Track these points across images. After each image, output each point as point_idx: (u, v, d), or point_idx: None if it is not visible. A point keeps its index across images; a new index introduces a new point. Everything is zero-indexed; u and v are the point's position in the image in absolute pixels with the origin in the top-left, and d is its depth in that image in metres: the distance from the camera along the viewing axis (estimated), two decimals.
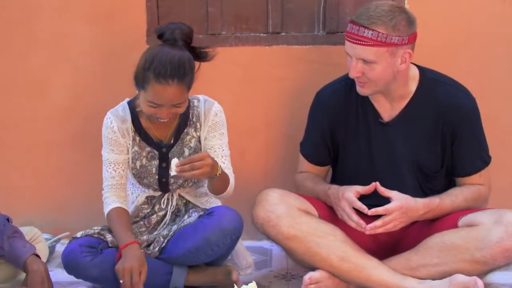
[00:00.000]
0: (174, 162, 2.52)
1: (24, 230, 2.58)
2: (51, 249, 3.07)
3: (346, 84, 2.78)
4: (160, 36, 2.66)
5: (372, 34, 2.52)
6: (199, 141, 2.78)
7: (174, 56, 2.55)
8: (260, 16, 3.31)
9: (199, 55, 2.69)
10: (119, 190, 2.74)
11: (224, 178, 2.67)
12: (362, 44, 2.54)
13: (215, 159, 2.67)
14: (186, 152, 2.76)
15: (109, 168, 2.74)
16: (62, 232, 3.22)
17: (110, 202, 2.72)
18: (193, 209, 2.76)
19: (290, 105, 3.29)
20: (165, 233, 2.74)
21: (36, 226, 2.75)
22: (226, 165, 2.74)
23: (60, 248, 3.20)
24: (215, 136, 2.77)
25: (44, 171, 3.40)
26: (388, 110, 2.74)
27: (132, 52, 3.12)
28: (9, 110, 3.36)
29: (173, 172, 2.52)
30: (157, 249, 2.70)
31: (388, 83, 2.63)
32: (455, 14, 3.23)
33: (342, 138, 2.81)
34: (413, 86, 2.72)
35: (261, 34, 3.31)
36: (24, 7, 3.29)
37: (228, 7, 3.31)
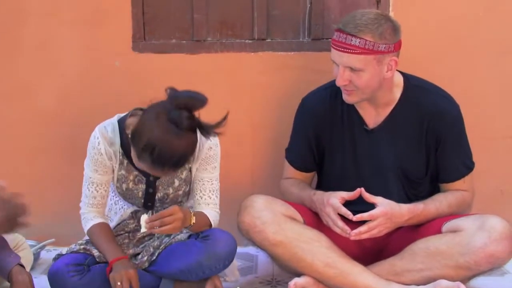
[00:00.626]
0: (143, 218, 2.48)
1: (8, 237, 2.54)
2: (36, 256, 3.05)
3: (332, 91, 2.78)
4: (171, 100, 2.38)
5: (359, 42, 2.53)
6: (190, 171, 2.71)
7: (177, 149, 2.34)
8: (246, 23, 3.31)
9: (204, 131, 2.45)
10: (99, 208, 2.68)
11: (201, 224, 2.62)
12: (350, 52, 2.54)
13: (202, 192, 2.67)
14: (176, 183, 2.70)
15: (91, 187, 2.66)
16: (47, 238, 3.20)
17: (91, 217, 2.66)
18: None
19: (276, 111, 3.29)
20: (155, 244, 2.71)
21: (20, 232, 2.70)
22: (212, 200, 2.69)
23: (45, 255, 3.21)
24: (206, 169, 2.69)
25: (29, 177, 3.37)
26: (373, 117, 2.75)
27: (117, 58, 3.21)
28: None
29: (143, 229, 2.49)
30: (145, 258, 2.68)
31: (374, 90, 2.64)
32: (439, 21, 3.25)
33: (328, 145, 2.81)
34: (397, 93, 2.73)
35: (247, 41, 3.31)
36: (10, 11, 3.27)
37: (213, 14, 3.31)
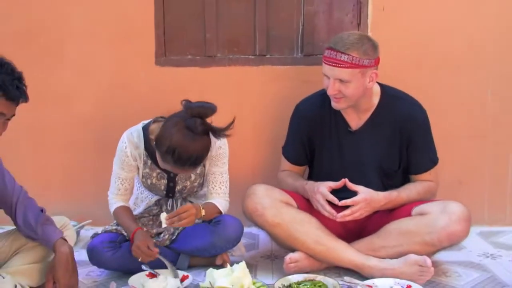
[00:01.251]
0: (163, 216, 2.48)
1: (56, 219, 2.56)
2: (77, 234, 3.05)
3: (322, 98, 2.78)
4: (186, 109, 2.39)
5: (347, 58, 2.53)
6: (204, 166, 2.71)
7: (194, 151, 2.34)
8: (249, 41, 3.31)
9: (216, 134, 2.45)
10: (124, 197, 2.69)
11: (211, 213, 2.63)
12: (340, 67, 2.54)
13: (214, 184, 2.68)
14: (193, 177, 2.70)
15: (117, 181, 2.67)
16: (86, 219, 3.22)
17: (115, 202, 2.66)
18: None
19: (273, 114, 3.28)
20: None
21: (64, 214, 2.72)
22: (222, 190, 2.70)
23: (84, 233, 3.23)
24: (217, 164, 2.70)
25: (70, 170, 3.38)
26: (355, 120, 2.75)
27: (142, 71, 3.22)
28: (43, 117, 3.34)
29: (163, 224, 2.49)
30: (167, 237, 2.69)
31: (359, 98, 2.64)
32: (410, 40, 3.25)
33: (318, 143, 2.81)
34: (375, 100, 2.73)
35: (250, 56, 3.31)
36: (57, 32, 3.28)
37: (222, 33, 3.31)
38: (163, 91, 3.24)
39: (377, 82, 2.75)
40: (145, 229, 2.67)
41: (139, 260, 2.48)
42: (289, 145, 2.93)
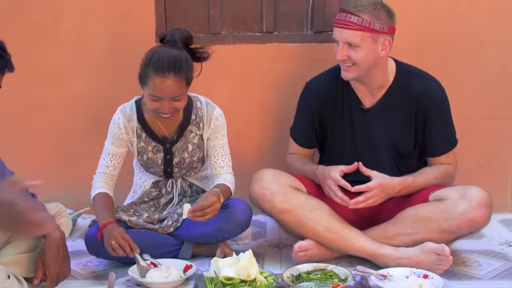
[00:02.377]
0: (187, 207, 2.47)
1: (50, 205, 2.58)
2: (73, 223, 3.06)
3: (333, 75, 2.76)
4: (161, 40, 2.62)
5: (357, 19, 2.52)
6: (202, 139, 2.74)
7: (171, 53, 2.51)
8: (256, 18, 3.30)
9: (198, 56, 2.63)
10: (109, 179, 2.68)
11: (226, 197, 2.62)
12: (349, 28, 2.53)
13: (216, 157, 2.71)
14: (190, 147, 2.73)
15: (106, 158, 2.69)
16: (83, 207, 3.20)
17: (98, 187, 2.66)
18: (205, 193, 2.65)
19: (282, 94, 3.27)
20: (179, 212, 2.71)
21: (59, 201, 2.72)
22: (225, 163, 2.73)
23: (81, 221, 3.22)
24: (216, 137, 2.73)
25: (66, 152, 3.38)
26: (368, 98, 2.72)
27: (142, 49, 3.11)
28: (35, 98, 3.34)
29: (184, 216, 2.49)
30: (170, 223, 2.68)
31: (370, 68, 2.61)
32: (427, 15, 3.22)
33: (329, 123, 2.79)
34: (391, 77, 2.70)
35: (256, 34, 3.29)
36: (50, 8, 3.27)
37: (227, 10, 3.30)
38: None
39: (393, 59, 2.73)
40: (126, 217, 2.65)
41: (112, 244, 2.44)
42: (297, 126, 2.91)
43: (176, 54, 2.51)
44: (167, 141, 2.71)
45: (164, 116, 2.56)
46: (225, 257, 2.54)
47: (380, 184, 2.57)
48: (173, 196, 2.81)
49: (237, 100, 3.28)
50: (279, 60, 3.27)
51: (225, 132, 2.76)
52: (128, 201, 2.86)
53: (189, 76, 2.55)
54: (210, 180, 2.83)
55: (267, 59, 3.28)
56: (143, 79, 2.53)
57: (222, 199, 2.54)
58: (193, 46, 2.63)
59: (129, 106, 2.71)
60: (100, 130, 2.94)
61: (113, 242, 2.43)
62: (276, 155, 3.16)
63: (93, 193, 2.66)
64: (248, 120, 3.33)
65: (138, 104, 2.70)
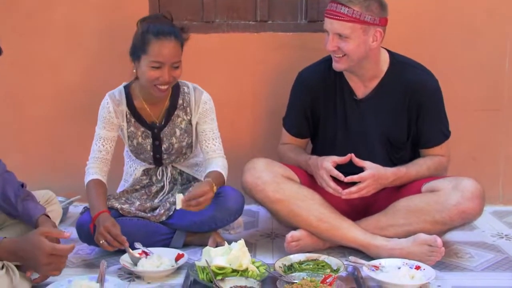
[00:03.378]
0: (179, 197, 2.46)
1: (40, 193, 2.54)
2: (65, 211, 3.04)
3: (325, 65, 2.75)
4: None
5: (348, 11, 2.50)
6: (190, 124, 2.74)
7: (166, 21, 2.62)
8: (249, 6, 3.28)
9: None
10: (102, 164, 2.68)
11: (219, 186, 2.62)
12: (339, 19, 2.52)
13: (207, 142, 2.72)
14: (178, 132, 2.73)
15: (98, 143, 2.69)
16: (75, 195, 3.20)
17: (92, 173, 2.65)
18: (197, 183, 2.68)
19: (275, 84, 3.26)
20: (171, 200, 2.71)
21: (51, 190, 2.69)
22: (217, 147, 2.73)
23: (72, 209, 3.22)
24: (206, 121, 2.74)
25: (58, 141, 3.37)
26: (361, 88, 2.71)
27: None
28: (27, 86, 3.32)
29: (178, 206, 2.46)
30: (162, 212, 2.68)
31: (361, 59, 2.60)
32: (421, 4, 3.21)
33: (322, 113, 2.78)
34: (384, 67, 2.69)
35: (250, 22, 3.28)
36: None
37: None
38: None
39: (386, 50, 2.72)
40: (117, 205, 2.65)
41: (101, 243, 2.44)
42: (290, 116, 2.90)
43: (170, 22, 2.62)
44: (155, 127, 2.71)
45: (163, 88, 2.57)
46: (217, 246, 2.54)
47: (373, 174, 2.56)
48: (164, 184, 2.80)
49: (230, 89, 3.27)
50: (273, 49, 3.26)
51: (214, 116, 2.76)
52: (119, 190, 2.84)
53: (183, 43, 2.60)
54: (201, 167, 2.83)
55: (261, 48, 3.26)
56: (141, 48, 2.54)
57: (215, 188, 2.53)
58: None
59: (117, 92, 2.72)
60: (92, 118, 2.91)
61: (102, 242, 2.43)
62: (269, 145, 3.15)
63: (87, 179, 2.65)
64: (241, 110, 3.32)
65: (127, 89, 2.72)
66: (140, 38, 2.56)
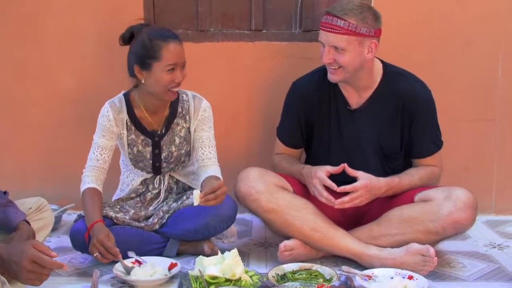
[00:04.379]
0: (197, 193, 2.43)
1: (31, 200, 2.54)
2: (58, 219, 3.04)
3: (320, 75, 2.75)
4: (131, 38, 2.64)
5: (344, 23, 2.51)
6: (189, 131, 2.74)
7: (162, 27, 2.69)
8: (244, 15, 3.28)
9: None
10: (99, 173, 2.65)
11: None
12: (335, 32, 2.53)
13: (203, 149, 2.71)
14: (177, 140, 2.73)
15: (96, 151, 2.67)
16: (68, 203, 3.19)
17: (88, 181, 2.62)
18: (190, 191, 2.71)
19: (269, 93, 3.26)
20: (165, 209, 2.72)
21: (45, 197, 2.65)
22: (212, 155, 2.73)
23: (66, 217, 3.21)
24: (203, 129, 2.74)
25: (53, 149, 3.36)
26: (355, 98, 2.72)
27: None
28: (24, 92, 3.32)
29: (196, 202, 2.43)
30: (156, 221, 2.68)
31: (356, 70, 2.61)
32: (415, 14, 3.23)
33: (316, 123, 2.78)
34: (377, 78, 2.70)
35: (245, 31, 3.28)
36: (38, 3, 3.25)
37: (216, 7, 3.29)
38: None
39: (379, 60, 2.73)
40: (112, 213, 2.65)
41: (95, 256, 2.42)
42: (284, 126, 2.90)
43: (166, 28, 2.69)
44: (156, 135, 2.71)
45: (175, 90, 2.60)
46: (211, 253, 2.56)
47: (366, 184, 2.56)
48: (159, 191, 2.80)
49: (225, 97, 3.27)
50: (267, 58, 3.27)
51: (211, 125, 2.77)
52: (114, 198, 2.84)
53: None
54: (196, 175, 2.83)
55: (256, 57, 3.27)
56: (152, 56, 2.54)
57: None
58: None
59: (117, 100, 2.71)
60: (87, 126, 2.94)
61: (96, 254, 2.41)
62: (263, 154, 3.15)
63: (83, 187, 2.63)
64: (235, 118, 3.32)
65: (127, 97, 2.71)
66: (147, 46, 2.54)
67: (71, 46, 3.29)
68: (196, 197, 2.43)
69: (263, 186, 2.63)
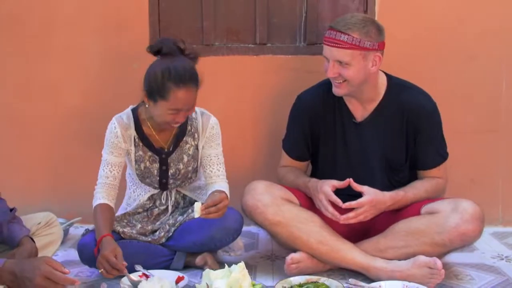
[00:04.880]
0: (198, 205, 2.44)
1: (41, 215, 2.56)
2: (65, 232, 3.04)
3: (324, 88, 2.75)
4: (157, 52, 2.57)
5: (347, 38, 2.52)
6: (197, 149, 2.73)
7: (185, 64, 2.50)
8: (249, 29, 3.30)
9: (193, 60, 2.61)
10: (110, 189, 2.65)
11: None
12: (339, 47, 2.53)
13: (212, 167, 2.70)
14: (185, 158, 2.71)
15: (106, 168, 2.65)
16: (75, 217, 3.20)
17: (99, 197, 2.62)
18: (211, 194, 2.67)
19: (274, 106, 3.27)
20: (171, 222, 2.72)
21: (52, 211, 2.69)
22: (221, 172, 2.72)
23: (73, 231, 3.21)
24: (211, 146, 2.72)
25: (59, 163, 3.37)
26: (360, 111, 2.72)
27: (136, 61, 3.15)
28: (29, 109, 3.33)
29: (197, 215, 2.44)
30: (162, 234, 2.68)
31: (361, 83, 2.61)
32: (419, 29, 3.24)
33: (321, 135, 2.78)
34: (382, 90, 2.70)
35: (250, 45, 3.30)
36: (42, 21, 3.28)
37: (220, 21, 3.30)
38: None
39: (383, 72, 2.74)
40: (119, 228, 2.65)
41: (100, 272, 2.41)
42: (289, 138, 2.89)
43: (190, 65, 2.52)
44: (163, 152, 2.69)
45: (175, 125, 2.57)
46: (205, 265, 2.58)
47: (371, 200, 2.55)
48: (167, 206, 2.79)
49: (230, 111, 3.28)
50: (272, 71, 3.28)
51: (220, 142, 2.75)
52: (120, 212, 2.82)
53: (200, 85, 2.57)
54: (203, 190, 2.82)
55: (261, 71, 3.28)
56: (160, 94, 2.48)
57: (228, 198, 2.55)
58: (187, 52, 2.61)
59: (125, 115, 2.68)
60: (93, 142, 2.94)
61: (101, 271, 2.40)
62: (269, 167, 3.14)
63: (94, 203, 2.63)
64: (241, 132, 3.32)
65: (135, 113, 2.68)
66: (159, 82, 2.47)
67: (75, 63, 3.30)
68: (197, 210, 2.44)
69: (270, 199, 2.63)
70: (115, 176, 2.66)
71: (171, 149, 2.70)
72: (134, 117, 2.68)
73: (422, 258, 2.45)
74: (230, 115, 3.25)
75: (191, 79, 2.48)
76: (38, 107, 3.33)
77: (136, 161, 2.71)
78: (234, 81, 3.30)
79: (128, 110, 2.70)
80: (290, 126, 2.88)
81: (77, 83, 3.31)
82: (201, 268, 2.62)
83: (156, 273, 2.51)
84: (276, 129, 3.14)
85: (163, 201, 2.79)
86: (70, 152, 3.34)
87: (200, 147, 2.73)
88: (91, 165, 2.94)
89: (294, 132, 2.85)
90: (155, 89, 2.49)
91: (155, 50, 2.57)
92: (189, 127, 2.72)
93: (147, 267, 2.53)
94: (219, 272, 2.35)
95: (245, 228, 2.72)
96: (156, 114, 2.55)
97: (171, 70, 2.46)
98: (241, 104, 3.31)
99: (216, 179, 2.72)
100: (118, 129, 2.64)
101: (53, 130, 3.35)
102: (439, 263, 2.42)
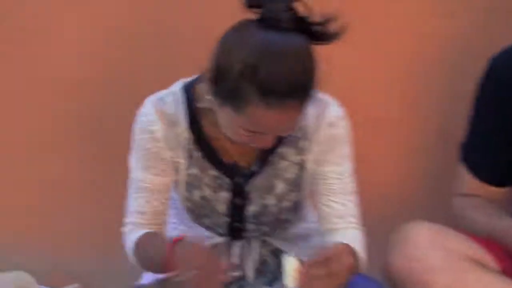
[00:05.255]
0: (291, 263, 1.57)
1: (10, 275, 2.07)
2: None
3: None
4: (255, 7, 1.53)
5: None
6: (303, 168, 1.73)
7: (291, 59, 1.49)
8: None
9: (319, 36, 1.55)
10: (152, 228, 1.77)
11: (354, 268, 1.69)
12: None
13: (327, 197, 1.74)
14: (280, 186, 1.72)
15: (139, 193, 1.69)
16: (68, 283, 2.29)
17: (136, 233, 1.75)
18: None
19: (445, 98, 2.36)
20: None
21: (36, 273, 2.03)
22: (348, 211, 1.74)
23: None
24: (329, 159, 1.71)
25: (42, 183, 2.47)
26: None
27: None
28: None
29: (291, 283, 1.55)
30: None
31: None
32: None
33: None
34: None
35: None
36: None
37: None
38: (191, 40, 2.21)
39: None
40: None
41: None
42: (476, 142, 1.90)
43: (299, 63, 1.51)
44: (240, 173, 1.68)
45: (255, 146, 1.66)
46: None
47: None
48: (243, 272, 1.81)
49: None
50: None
51: (347, 150, 1.72)
52: (151, 279, 1.84)
53: (312, 95, 1.57)
54: (310, 237, 1.88)
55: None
56: (234, 102, 1.52)
57: (354, 259, 1.63)
58: (311, 21, 1.56)
59: (171, 99, 1.67)
60: (104, 145, 2.25)
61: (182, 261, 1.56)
62: (433, 196, 2.25)
63: (131, 240, 1.73)
64: (375, 128, 2.40)
65: (190, 95, 1.67)
66: (235, 79, 1.50)
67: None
68: (291, 272, 1.54)
69: (441, 259, 1.78)
70: (157, 210, 1.74)
71: (254, 168, 1.68)
72: (187, 104, 1.65)
73: None
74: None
75: (294, 93, 1.49)
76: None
77: (188, 184, 1.71)
78: None
79: (176, 90, 1.69)
80: (476, 119, 1.89)
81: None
82: None
83: None
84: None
85: (237, 260, 1.78)
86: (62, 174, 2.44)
87: (309, 165, 1.71)
88: (101, 188, 2.23)
89: (487, 131, 1.87)
90: (225, 86, 1.52)
91: (252, 4, 1.55)
92: None
93: None
94: None
95: None
96: (222, 122, 1.60)
97: (262, 65, 1.47)
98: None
99: (338, 222, 1.72)
100: (158, 126, 1.64)
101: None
102: None
